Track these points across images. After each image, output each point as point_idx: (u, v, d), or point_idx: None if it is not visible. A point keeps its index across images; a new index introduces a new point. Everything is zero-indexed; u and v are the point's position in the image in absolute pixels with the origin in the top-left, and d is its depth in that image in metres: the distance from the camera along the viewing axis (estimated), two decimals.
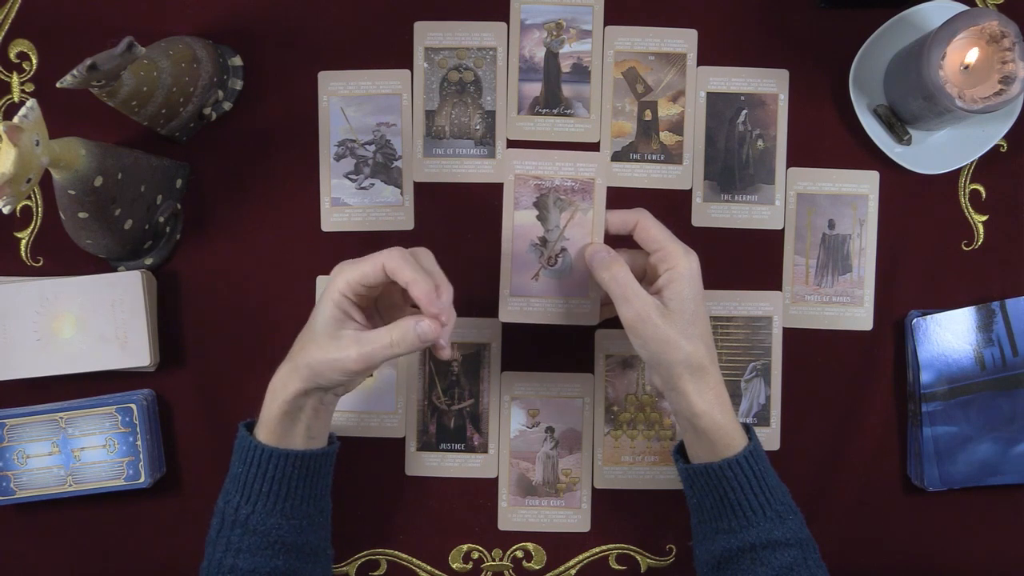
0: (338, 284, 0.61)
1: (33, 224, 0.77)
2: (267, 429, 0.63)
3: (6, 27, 0.76)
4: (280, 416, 0.62)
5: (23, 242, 0.77)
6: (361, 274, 0.61)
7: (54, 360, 0.73)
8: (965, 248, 0.78)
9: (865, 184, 0.78)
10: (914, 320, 0.76)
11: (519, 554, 0.78)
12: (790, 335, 0.78)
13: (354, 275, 0.61)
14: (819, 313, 0.78)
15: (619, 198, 0.76)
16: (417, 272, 0.60)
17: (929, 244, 0.78)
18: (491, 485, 0.78)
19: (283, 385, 0.62)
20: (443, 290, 0.61)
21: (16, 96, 0.76)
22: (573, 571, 0.78)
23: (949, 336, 0.76)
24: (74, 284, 0.74)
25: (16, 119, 0.56)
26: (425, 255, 0.63)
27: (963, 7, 0.75)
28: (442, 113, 0.77)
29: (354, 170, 0.77)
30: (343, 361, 0.60)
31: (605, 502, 0.78)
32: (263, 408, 0.63)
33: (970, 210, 0.78)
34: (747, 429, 0.65)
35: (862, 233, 0.78)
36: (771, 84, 0.77)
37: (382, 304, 0.67)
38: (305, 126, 0.77)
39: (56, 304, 0.73)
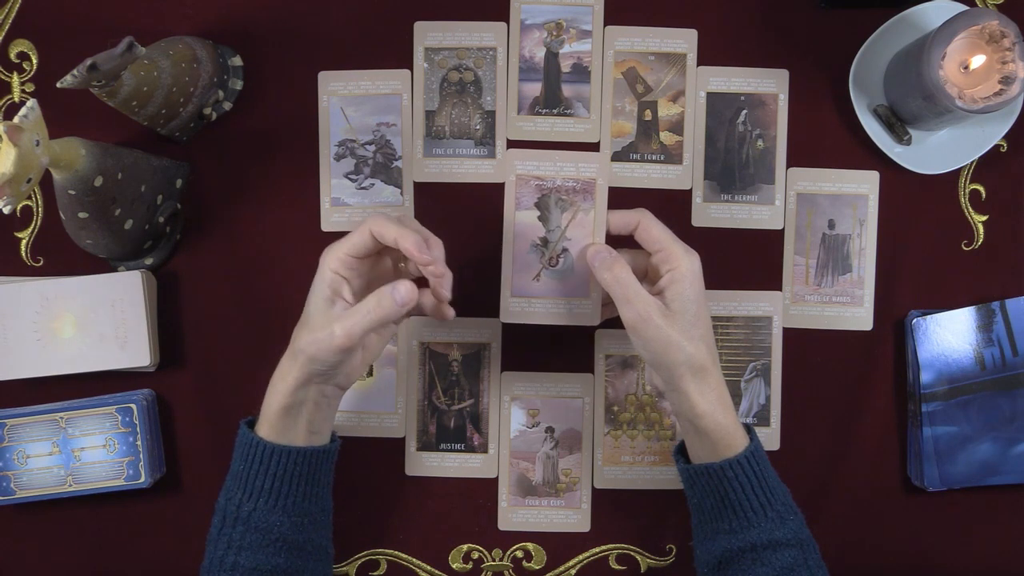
0: (329, 262, 0.62)
1: (33, 224, 0.77)
2: (268, 424, 0.63)
3: (6, 27, 0.76)
4: (281, 410, 0.62)
5: (23, 242, 0.77)
6: (351, 245, 0.62)
7: (54, 360, 0.73)
8: (965, 248, 0.78)
9: (865, 184, 0.78)
10: (914, 320, 0.76)
11: (519, 554, 0.78)
12: (790, 335, 0.78)
13: (343, 248, 0.62)
14: (819, 313, 0.78)
15: (619, 198, 0.76)
16: (403, 227, 0.61)
17: (929, 244, 0.78)
18: (491, 485, 0.78)
19: (282, 376, 0.63)
20: (433, 243, 0.63)
21: (16, 96, 0.76)
22: (573, 571, 0.78)
23: (949, 336, 0.76)
24: (74, 284, 0.73)
25: (16, 119, 0.56)
26: (410, 219, 0.65)
27: (963, 7, 0.75)
28: (442, 113, 0.77)
29: (354, 170, 0.77)
30: (329, 338, 0.60)
31: (605, 502, 0.78)
32: (264, 403, 0.64)
33: (970, 210, 0.78)
34: (748, 429, 0.65)
35: (862, 233, 0.78)
36: (771, 84, 0.77)
37: (375, 283, 0.67)
38: (305, 126, 0.77)
39: (56, 304, 0.73)
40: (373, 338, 0.66)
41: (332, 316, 0.61)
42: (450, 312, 0.66)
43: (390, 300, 0.61)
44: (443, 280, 0.63)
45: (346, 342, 0.60)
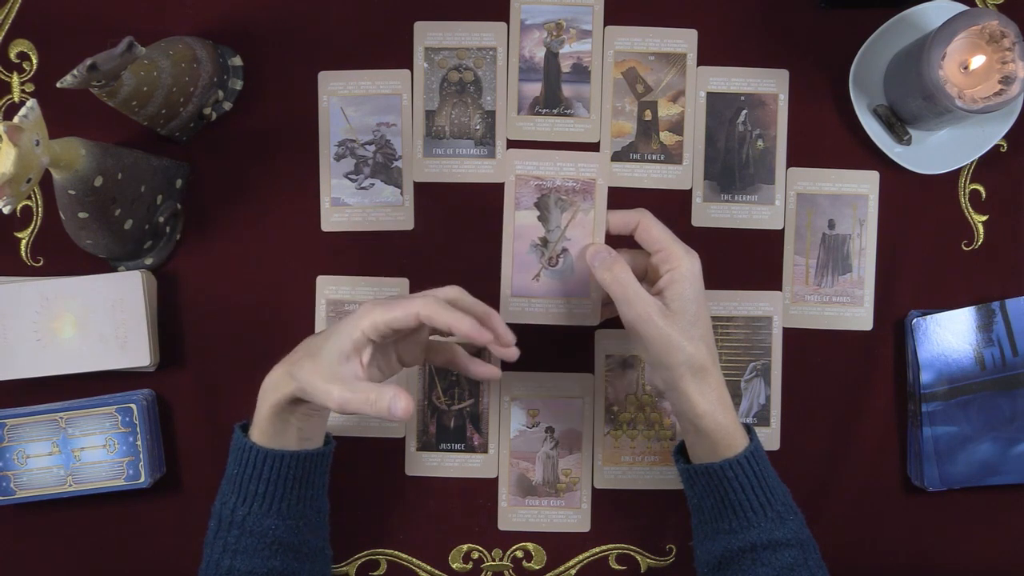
0: (363, 324, 0.60)
1: (33, 224, 0.77)
2: (259, 430, 0.63)
3: (6, 27, 0.76)
4: (271, 417, 0.62)
5: (23, 242, 0.77)
6: (392, 318, 0.59)
7: (54, 360, 0.73)
8: (965, 248, 0.78)
9: (865, 184, 0.78)
10: (914, 320, 0.76)
11: (519, 554, 0.78)
12: (790, 335, 0.78)
13: (383, 318, 0.59)
14: (819, 313, 0.78)
15: (619, 198, 0.76)
16: (453, 313, 0.59)
17: (929, 244, 0.78)
18: (491, 485, 0.78)
19: (274, 388, 0.62)
20: (492, 317, 0.62)
21: (16, 96, 0.76)
22: (573, 571, 0.78)
23: (949, 336, 0.76)
24: (74, 284, 0.73)
25: (16, 119, 0.56)
26: (458, 292, 0.63)
27: (963, 7, 0.75)
28: (442, 113, 0.77)
29: (354, 170, 0.77)
30: (325, 395, 0.59)
31: (605, 502, 0.78)
32: (256, 408, 0.63)
33: (970, 210, 0.78)
34: (748, 430, 0.65)
35: (862, 233, 0.78)
36: (771, 84, 0.77)
37: (406, 344, 0.66)
38: (305, 126, 0.77)
39: (56, 304, 0.73)
40: (377, 373, 0.65)
41: (339, 373, 0.59)
42: (514, 353, 0.64)
43: (385, 409, 0.58)
44: (509, 351, 0.63)
45: (338, 409, 0.59)
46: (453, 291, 0.63)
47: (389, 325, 0.59)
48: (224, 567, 0.62)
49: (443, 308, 0.59)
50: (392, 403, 0.58)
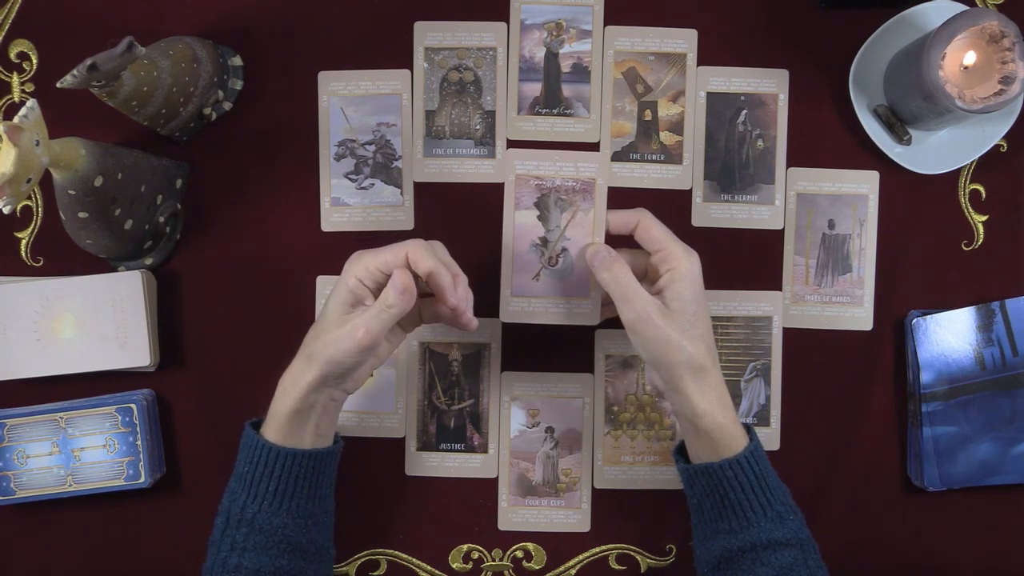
0: (355, 270, 0.62)
1: (33, 224, 0.77)
2: (275, 427, 0.63)
3: (6, 27, 0.76)
4: (291, 414, 0.62)
5: (23, 242, 0.77)
6: (383, 261, 0.62)
7: (54, 360, 0.73)
8: (965, 248, 0.78)
9: (865, 184, 0.78)
10: (914, 320, 0.76)
11: (519, 554, 0.78)
12: (790, 335, 0.78)
13: (375, 262, 0.62)
14: (819, 313, 0.78)
15: (619, 198, 0.76)
16: (438, 264, 0.62)
17: (929, 244, 0.78)
18: (491, 485, 0.78)
19: (295, 380, 0.62)
20: (459, 281, 0.64)
21: (16, 96, 0.76)
22: (573, 571, 0.78)
23: (949, 336, 0.76)
24: (74, 284, 0.73)
25: (16, 119, 0.56)
26: (440, 248, 0.65)
27: (963, 7, 0.75)
28: (442, 113, 0.77)
29: (354, 170, 0.77)
30: (351, 337, 0.61)
31: (605, 502, 0.78)
32: (272, 406, 0.63)
33: (970, 210, 0.78)
34: (748, 429, 0.65)
35: (862, 233, 0.78)
36: (771, 84, 0.77)
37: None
38: (305, 126, 0.77)
39: (56, 304, 0.73)
40: (383, 343, 0.66)
41: (351, 319, 0.62)
42: (473, 323, 0.65)
43: (391, 292, 0.61)
44: (469, 304, 0.65)
45: (368, 340, 0.61)
46: (435, 243, 0.65)
47: (381, 268, 0.62)
48: (231, 565, 0.62)
49: (428, 253, 0.62)
50: (391, 286, 0.61)
